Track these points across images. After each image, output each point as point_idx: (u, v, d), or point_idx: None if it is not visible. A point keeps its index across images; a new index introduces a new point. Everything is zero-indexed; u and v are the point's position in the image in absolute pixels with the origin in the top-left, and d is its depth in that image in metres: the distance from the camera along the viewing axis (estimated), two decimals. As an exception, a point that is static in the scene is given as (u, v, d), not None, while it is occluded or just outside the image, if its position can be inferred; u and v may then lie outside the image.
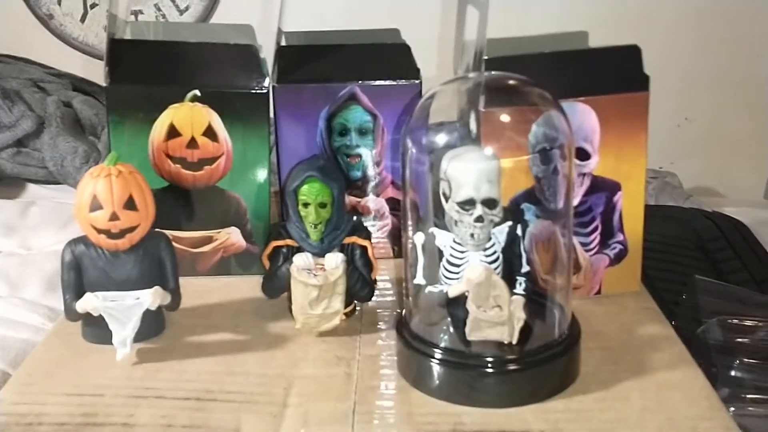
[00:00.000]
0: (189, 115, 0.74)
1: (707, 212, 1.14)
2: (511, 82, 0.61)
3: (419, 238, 0.61)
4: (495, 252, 0.60)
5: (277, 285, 0.68)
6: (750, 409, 0.75)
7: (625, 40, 0.69)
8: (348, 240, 0.68)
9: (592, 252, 0.72)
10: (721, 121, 1.55)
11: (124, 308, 0.63)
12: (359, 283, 0.67)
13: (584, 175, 0.69)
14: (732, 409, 0.72)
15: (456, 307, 0.60)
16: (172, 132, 0.74)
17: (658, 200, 1.23)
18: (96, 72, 1.50)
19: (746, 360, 0.79)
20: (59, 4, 1.58)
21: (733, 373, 0.78)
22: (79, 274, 0.65)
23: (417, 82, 0.76)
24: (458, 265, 0.60)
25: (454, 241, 0.60)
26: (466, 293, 0.59)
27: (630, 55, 0.69)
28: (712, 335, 0.81)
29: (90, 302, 0.63)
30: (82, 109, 1.36)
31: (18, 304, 0.89)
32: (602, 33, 0.77)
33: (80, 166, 1.26)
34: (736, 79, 1.52)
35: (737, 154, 1.56)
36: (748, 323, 0.83)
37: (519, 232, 0.60)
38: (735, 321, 0.83)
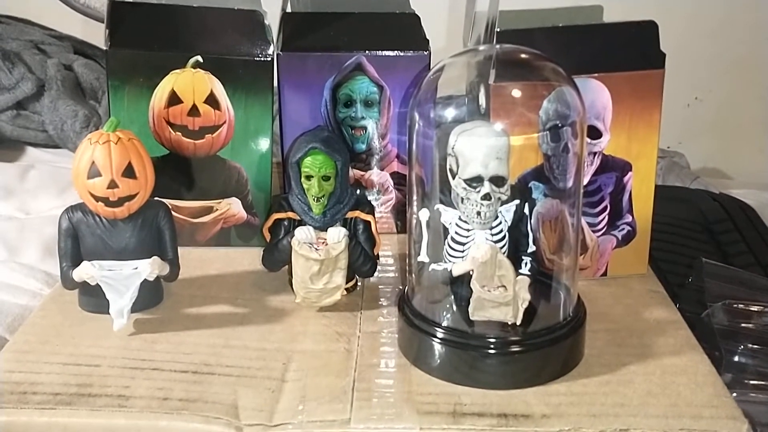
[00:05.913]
0: (191, 81, 0.72)
1: (714, 194, 1.12)
2: (523, 55, 0.59)
3: (424, 215, 0.60)
4: (501, 231, 0.59)
5: (277, 258, 0.67)
6: (752, 395, 0.74)
7: (639, 16, 0.67)
8: (351, 214, 0.66)
9: (600, 233, 0.71)
10: (731, 103, 1.52)
11: (122, 278, 0.62)
12: (361, 258, 0.66)
13: (595, 154, 0.68)
14: (734, 394, 0.71)
15: (460, 285, 0.59)
16: (173, 99, 0.72)
17: (666, 180, 1.22)
18: (97, 35, 1.47)
19: (750, 345, 0.78)
20: (61, -35, 1.55)
21: (736, 358, 0.77)
22: (77, 242, 0.64)
23: (426, 53, 0.74)
24: (463, 243, 0.59)
25: (460, 219, 0.59)
26: (471, 272, 0.57)
27: (646, 32, 0.67)
28: (717, 319, 0.79)
29: (87, 271, 0.62)
30: (83, 73, 1.34)
31: (16, 268, 0.88)
32: (617, 8, 0.75)
33: (80, 130, 1.24)
34: (750, 61, 1.49)
35: (746, 136, 1.54)
36: (754, 308, 0.82)
37: (526, 210, 0.59)
38: (740, 306, 0.82)
